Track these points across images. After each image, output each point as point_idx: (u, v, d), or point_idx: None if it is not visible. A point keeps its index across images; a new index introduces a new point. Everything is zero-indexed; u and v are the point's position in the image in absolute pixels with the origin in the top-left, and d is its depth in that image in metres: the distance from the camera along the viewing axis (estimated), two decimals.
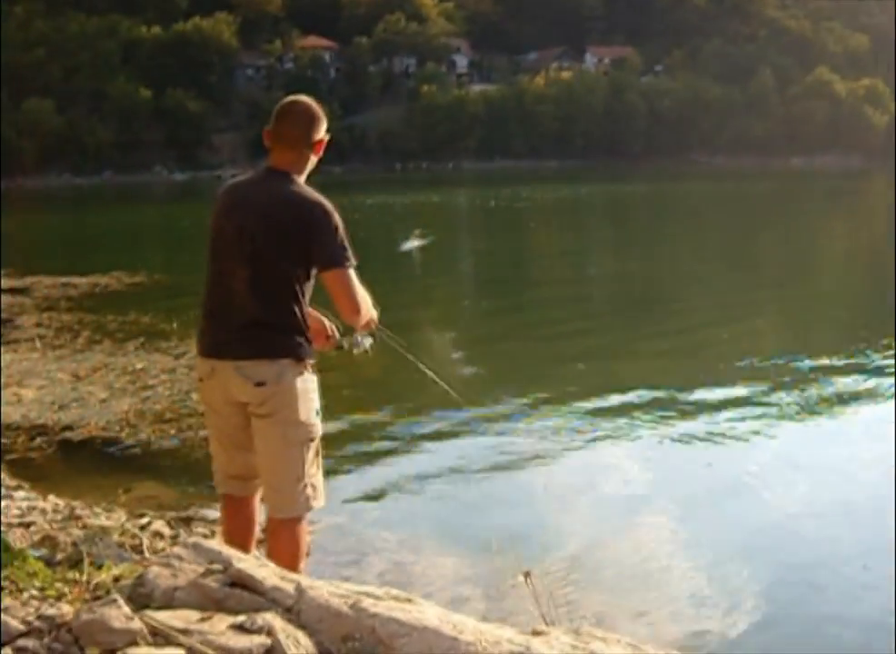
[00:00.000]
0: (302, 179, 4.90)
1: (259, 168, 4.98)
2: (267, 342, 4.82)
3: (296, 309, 4.85)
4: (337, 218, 4.77)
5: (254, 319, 4.81)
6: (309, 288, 4.92)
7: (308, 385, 4.91)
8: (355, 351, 5.34)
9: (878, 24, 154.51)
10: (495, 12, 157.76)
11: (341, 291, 4.81)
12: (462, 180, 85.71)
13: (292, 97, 5.01)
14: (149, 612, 3.38)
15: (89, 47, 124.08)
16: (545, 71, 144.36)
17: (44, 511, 7.20)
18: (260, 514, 5.38)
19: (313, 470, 5.00)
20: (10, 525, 6.63)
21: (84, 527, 6.64)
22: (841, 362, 13.57)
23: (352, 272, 4.82)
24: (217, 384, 4.93)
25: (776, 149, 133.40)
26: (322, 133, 4.92)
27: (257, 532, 5.47)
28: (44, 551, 5.03)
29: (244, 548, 5.04)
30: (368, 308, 4.98)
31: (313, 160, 4.96)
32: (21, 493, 7.82)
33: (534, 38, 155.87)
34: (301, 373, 4.86)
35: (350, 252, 4.79)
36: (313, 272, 4.88)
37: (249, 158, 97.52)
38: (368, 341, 5.38)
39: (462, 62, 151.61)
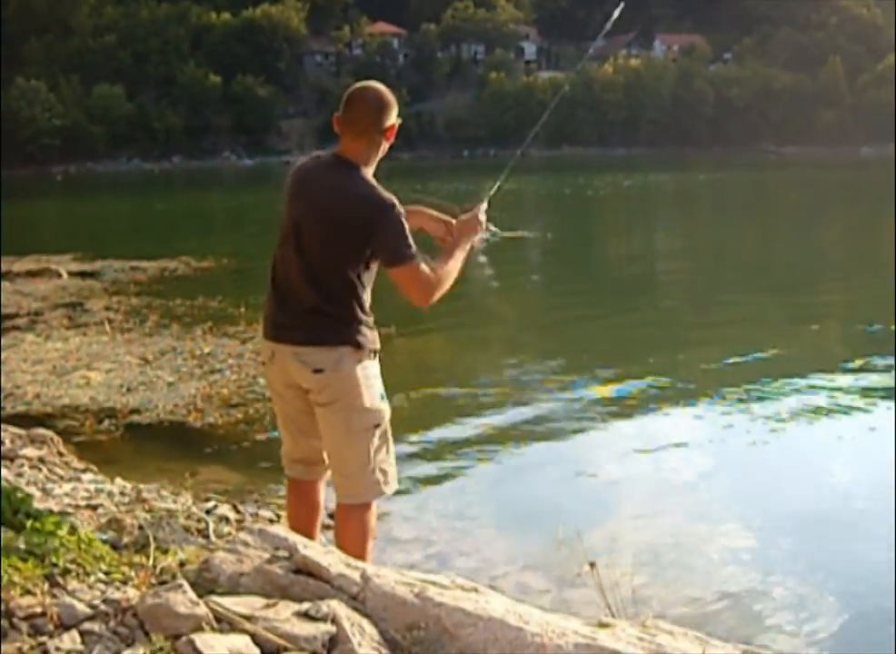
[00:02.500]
0: (371, 168, 4.84)
1: (328, 153, 4.93)
2: (324, 330, 4.79)
3: (353, 300, 4.81)
4: (398, 212, 4.71)
5: (312, 307, 4.79)
6: (370, 278, 4.88)
7: (368, 371, 4.88)
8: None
9: None
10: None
11: (409, 285, 4.79)
12: (531, 167, 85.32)
13: (362, 83, 4.94)
14: (214, 598, 3.38)
15: (159, 33, 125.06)
16: (613, 58, 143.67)
17: (111, 494, 7.23)
18: (326, 499, 5.38)
19: (382, 456, 4.98)
20: (78, 507, 6.67)
21: (151, 510, 6.66)
22: None
23: (416, 265, 4.75)
24: (278, 368, 4.93)
25: (846, 138, 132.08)
26: (393, 118, 4.85)
27: (323, 517, 5.47)
28: (110, 534, 5.04)
29: (309, 532, 5.05)
30: (443, 283, 4.91)
31: (385, 146, 4.91)
32: (88, 476, 7.87)
33: (602, 25, 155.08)
34: (360, 360, 4.83)
35: (410, 243, 4.74)
36: (374, 264, 4.85)
37: (317, 144, 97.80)
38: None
39: (530, 49, 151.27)
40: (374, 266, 4.86)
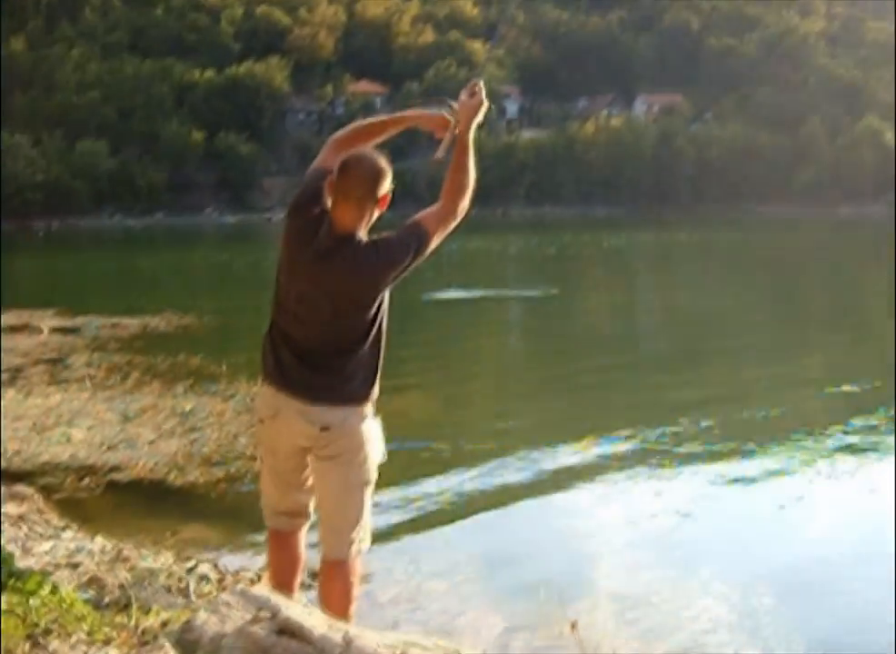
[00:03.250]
0: (364, 232, 4.88)
1: (325, 229, 4.88)
2: (337, 389, 4.82)
3: (370, 360, 4.86)
4: (394, 242, 4.78)
5: (322, 366, 4.82)
6: (382, 332, 4.93)
7: (373, 428, 4.93)
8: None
9: None
10: (545, 59, 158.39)
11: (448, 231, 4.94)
12: (512, 226, 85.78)
13: (357, 151, 4.97)
14: None
15: (143, 90, 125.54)
16: (595, 118, 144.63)
17: (91, 553, 7.21)
18: (306, 552, 5.38)
19: (368, 512, 5.02)
20: (58, 565, 6.65)
21: (132, 569, 6.64)
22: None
23: (433, 230, 4.87)
24: (282, 426, 4.93)
25: (825, 197, 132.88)
26: (387, 187, 4.88)
27: (305, 577, 5.47)
28: (91, 593, 5.04)
29: (289, 584, 5.07)
30: (466, 184, 5.00)
31: (377, 213, 4.94)
32: (69, 534, 7.84)
33: (584, 85, 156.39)
34: (364, 418, 4.87)
35: (416, 233, 4.81)
36: (385, 306, 4.91)
37: None
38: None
39: (512, 108, 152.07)
40: (386, 313, 4.92)
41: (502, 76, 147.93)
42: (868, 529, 8.83)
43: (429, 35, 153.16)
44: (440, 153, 5.12)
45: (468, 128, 5.01)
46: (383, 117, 5.38)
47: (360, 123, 5.32)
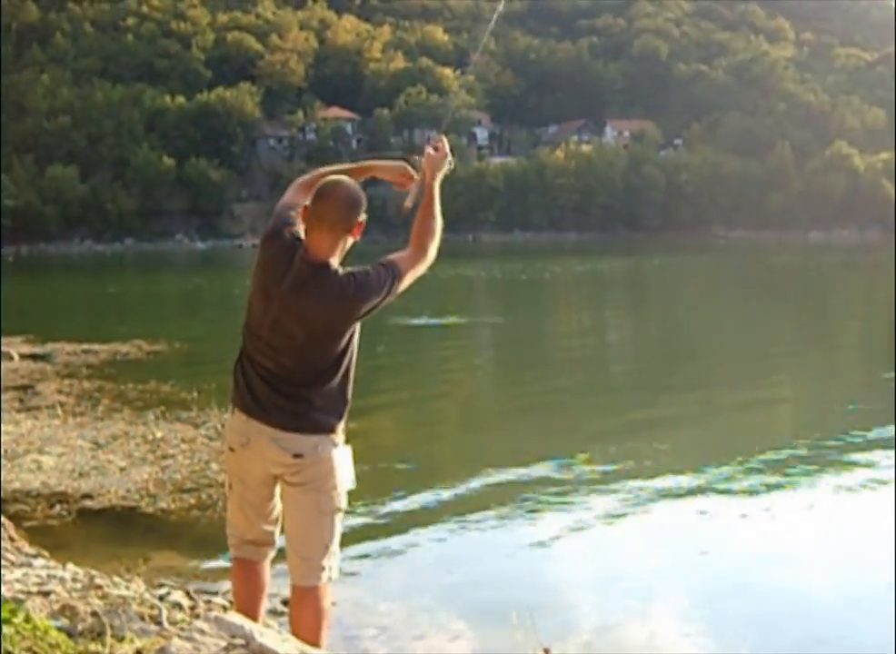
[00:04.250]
0: (337, 259, 4.91)
1: (299, 257, 4.91)
2: (309, 417, 4.85)
3: (341, 387, 4.90)
4: (368, 276, 4.82)
5: (298, 394, 4.85)
6: (353, 361, 4.98)
7: (343, 455, 4.96)
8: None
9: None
10: (516, 85, 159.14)
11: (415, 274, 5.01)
12: (483, 252, 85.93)
13: (333, 179, 4.99)
14: None
15: (114, 116, 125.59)
16: (565, 144, 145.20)
17: (63, 580, 7.17)
18: (272, 581, 5.39)
19: (337, 539, 5.04)
20: (29, 593, 6.62)
21: (104, 596, 6.61)
22: (853, 437, 13.52)
23: (404, 270, 4.93)
24: (253, 454, 4.95)
25: (794, 222, 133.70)
26: (361, 216, 4.92)
27: (276, 604, 5.48)
28: (64, 621, 5.02)
29: (254, 612, 5.09)
30: (433, 231, 5.09)
31: (350, 242, 4.98)
32: (40, 561, 7.80)
33: (554, 111, 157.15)
34: (336, 445, 4.90)
35: (391, 272, 4.87)
36: (356, 338, 4.96)
37: None
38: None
39: (482, 134, 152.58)
40: (356, 344, 4.97)
41: (473, 103, 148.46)
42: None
43: (399, 62, 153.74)
44: (408, 202, 5.28)
45: (434, 179, 5.14)
46: (348, 165, 5.46)
47: (325, 169, 5.38)
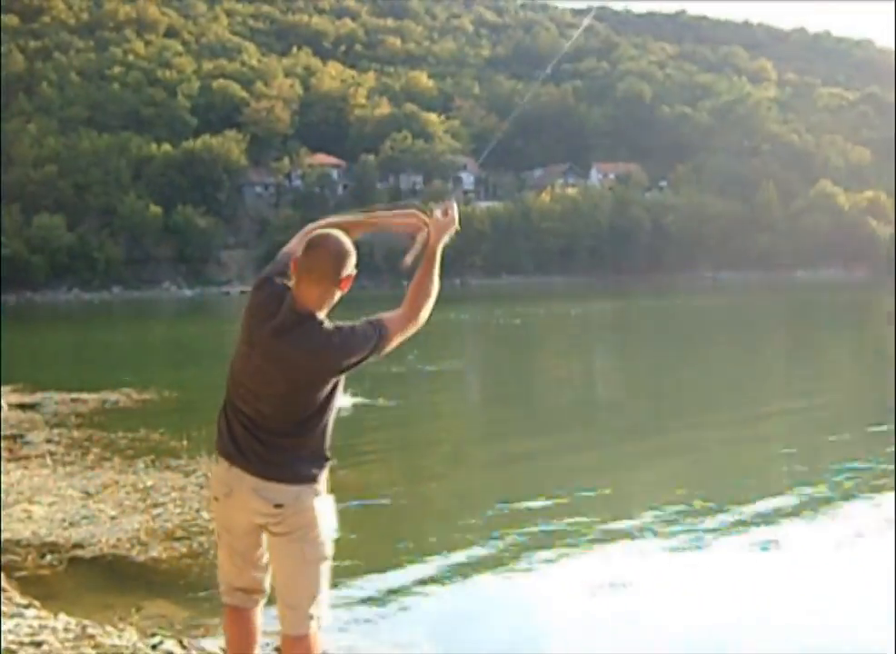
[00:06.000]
0: (324, 312, 4.95)
1: (287, 305, 4.94)
2: (290, 467, 4.87)
3: (322, 439, 4.93)
4: (353, 332, 4.85)
5: (274, 443, 4.87)
6: (334, 413, 5.00)
7: (325, 505, 4.97)
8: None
9: (879, 137, 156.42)
10: (501, 129, 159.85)
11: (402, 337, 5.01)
12: (470, 297, 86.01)
13: (323, 231, 5.03)
14: None
15: (100, 164, 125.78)
16: (551, 187, 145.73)
17: (55, 630, 7.17)
18: (264, 627, 5.39)
19: (326, 588, 5.04)
20: (21, 644, 6.63)
21: (97, 646, 6.63)
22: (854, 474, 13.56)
23: (391, 332, 4.94)
24: (236, 504, 4.96)
25: (780, 262, 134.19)
26: (350, 269, 4.96)
27: (261, 646, 5.47)
28: None
29: None
30: (429, 294, 5.14)
31: (339, 294, 5.01)
32: (32, 611, 7.80)
33: (540, 155, 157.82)
34: (317, 494, 4.91)
35: (378, 330, 4.89)
36: (340, 389, 4.98)
37: (256, 274, 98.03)
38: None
39: (468, 179, 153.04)
40: (340, 392, 4.99)
41: (458, 147, 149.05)
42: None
43: (384, 108, 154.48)
44: (408, 259, 5.30)
45: (438, 242, 5.19)
46: (357, 217, 5.49)
47: (333, 219, 5.43)
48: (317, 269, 4.85)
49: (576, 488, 13.59)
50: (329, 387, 4.87)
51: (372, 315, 4.99)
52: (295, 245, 5.20)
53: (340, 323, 4.87)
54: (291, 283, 4.96)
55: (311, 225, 5.38)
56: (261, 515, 4.90)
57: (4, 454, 15.67)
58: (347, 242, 4.97)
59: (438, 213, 5.29)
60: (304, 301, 4.86)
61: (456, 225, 5.31)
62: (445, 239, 5.26)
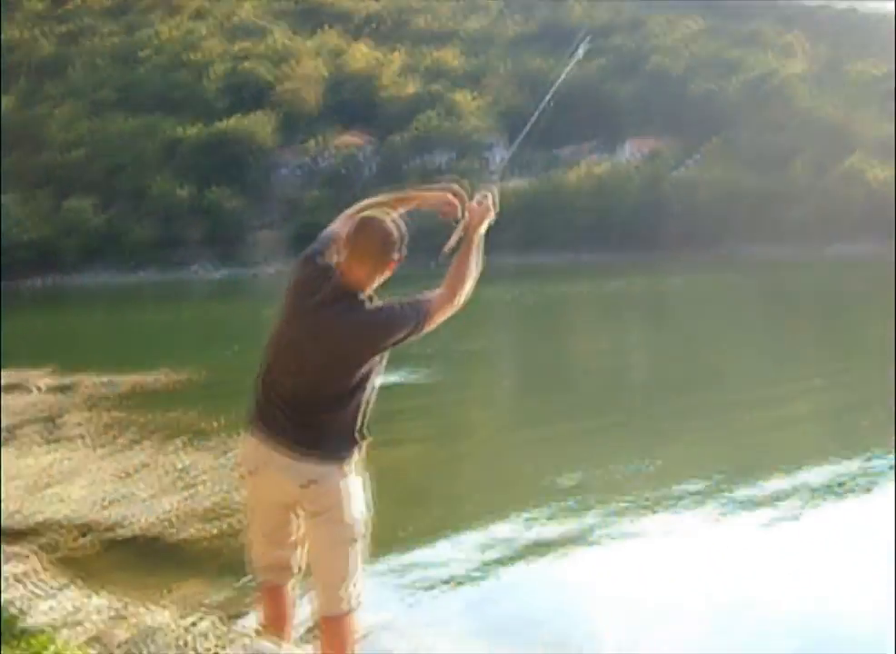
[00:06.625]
0: (369, 292, 4.95)
1: (333, 281, 4.95)
2: (316, 445, 4.87)
3: (355, 417, 4.92)
4: (397, 321, 4.85)
5: (312, 421, 4.87)
6: (370, 394, 4.99)
7: (354, 485, 4.96)
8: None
9: None
10: (530, 107, 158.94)
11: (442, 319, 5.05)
12: (501, 274, 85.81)
13: (375, 213, 5.09)
14: None
15: (130, 147, 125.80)
16: (580, 164, 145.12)
17: (92, 610, 7.21)
18: (302, 602, 5.41)
19: (359, 568, 5.04)
20: (60, 624, 6.66)
21: (134, 626, 6.65)
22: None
23: (431, 314, 5.01)
24: (264, 482, 4.98)
25: (812, 237, 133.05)
26: (396, 254, 4.99)
27: (296, 619, 5.49)
28: (98, 651, 5.05)
29: (282, 636, 5.11)
30: (467, 278, 5.26)
31: (385, 276, 5.03)
32: (69, 592, 7.84)
33: (569, 132, 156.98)
34: (346, 475, 4.91)
35: (419, 311, 4.90)
36: (378, 369, 4.98)
37: (287, 255, 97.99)
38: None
39: (497, 156, 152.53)
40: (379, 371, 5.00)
41: (487, 125, 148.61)
42: None
43: (413, 86, 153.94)
44: (448, 246, 5.33)
45: (477, 229, 5.20)
46: (393, 195, 5.53)
47: (370, 200, 5.46)
48: (367, 249, 4.91)
49: (615, 465, 13.59)
50: (367, 365, 4.88)
51: (414, 295, 5.01)
52: (338, 226, 5.22)
53: (382, 303, 4.90)
54: (336, 262, 4.98)
55: (349, 209, 5.41)
56: (289, 494, 4.91)
57: (37, 438, 15.77)
58: (396, 226, 5.01)
59: (476, 201, 5.34)
60: (351, 279, 4.89)
61: (493, 212, 5.36)
62: (483, 226, 5.29)
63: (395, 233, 4.99)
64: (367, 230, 4.94)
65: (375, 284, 4.98)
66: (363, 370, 4.85)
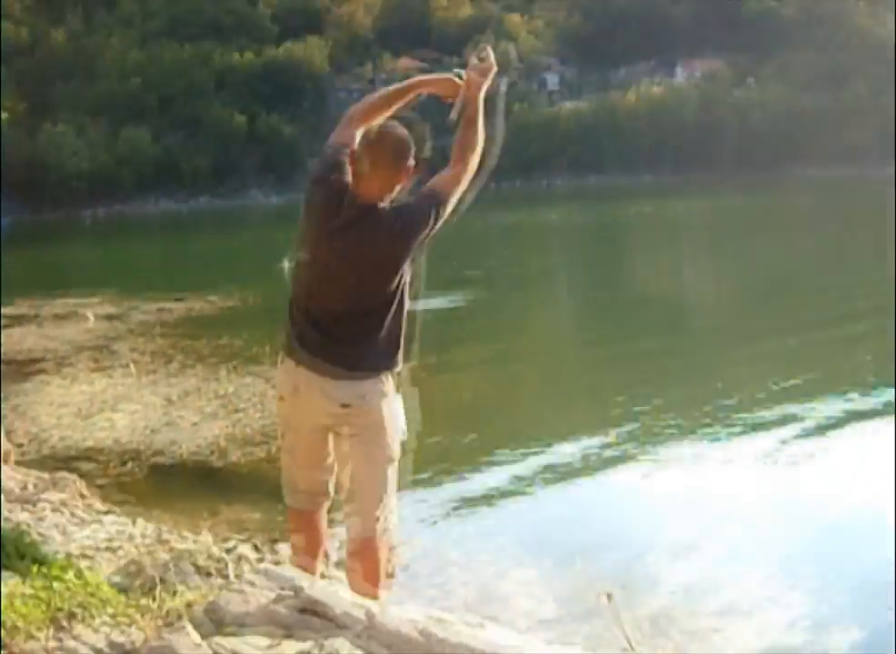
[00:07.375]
0: (386, 202, 4.86)
1: (350, 200, 4.87)
2: (354, 362, 4.80)
3: (388, 330, 4.83)
4: (417, 219, 4.76)
5: (342, 338, 4.80)
6: (406, 302, 4.91)
7: (394, 404, 4.89)
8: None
9: None
10: (585, 28, 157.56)
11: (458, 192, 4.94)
12: (557, 197, 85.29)
13: (386, 124, 5.01)
14: (218, 639, 3.37)
15: (183, 75, 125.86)
16: (636, 86, 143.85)
17: (132, 536, 7.24)
18: (331, 529, 5.38)
19: (393, 491, 4.99)
20: (98, 550, 6.69)
21: (171, 551, 6.66)
22: None
23: (448, 194, 4.88)
24: (302, 403, 4.91)
25: (871, 158, 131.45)
26: (410, 161, 4.90)
27: (328, 547, 5.46)
28: (126, 576, 5.04)
29: (311, 563, 5.06)
30: (474, 145, 5.12)
31: (400, 186, 4.93)
32: (111, 518, 7.88)
33: (624, 54, 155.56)
34: (385, 394, 4.84)
35: (434, 200, 4.81)
36: (408, 278, 4.89)
37: None
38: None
39: (552, 79, 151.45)
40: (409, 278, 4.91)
41: (542, 48, 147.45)
42: None
43: (467, 9, 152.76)
44: (453, 114, 5.19)
45: (478, 89, 5.10)
46: (395, 86, 5.43)
47: (372, 95, 5.37)
48: (378, 161, 4.80)
49: (667, 391, 13.52)
50: (399, 275, 4.79)
51: (423, 187, 4.92)
52: (340, 134, 5.13)
53: (397, 205, 4.80)
54: (349, 179, 4.89)
55: (353, 108, 5.32)
56: (327, 415, 4.84)
57: (89, 364, 15.89)
58: (405, 134, 4.92)
59: (474, 58, 5.20)
60: (365, 194, 4.79)
61: (494, 68, 5.21)
62: (484, 87, 5.16)
63: (406, 141, 4.89)
64: (377, 141, 4.82)
65: (394, 194, 4.90)
66: (396, 280, 4.77)
